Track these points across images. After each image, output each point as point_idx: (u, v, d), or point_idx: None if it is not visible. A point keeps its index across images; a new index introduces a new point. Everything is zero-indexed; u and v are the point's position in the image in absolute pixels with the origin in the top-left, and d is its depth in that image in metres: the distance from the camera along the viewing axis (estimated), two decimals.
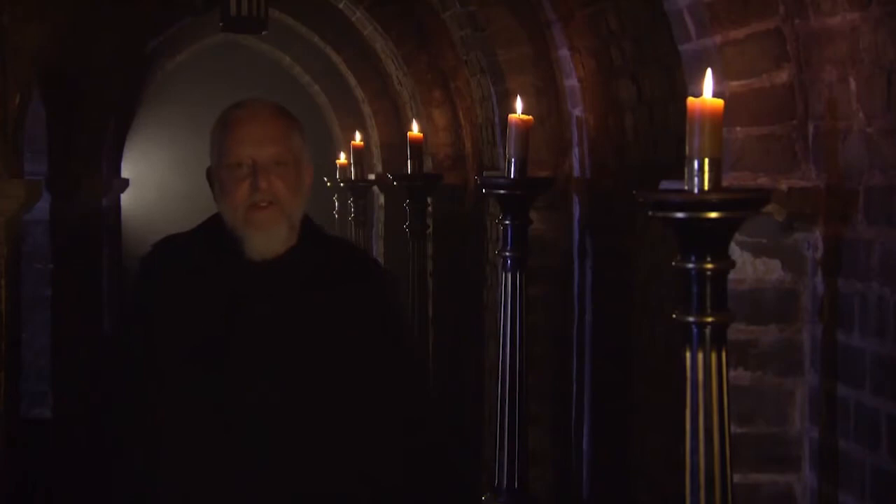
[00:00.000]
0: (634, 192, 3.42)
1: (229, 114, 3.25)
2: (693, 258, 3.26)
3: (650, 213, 3.31)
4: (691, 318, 3.27)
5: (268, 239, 3.19)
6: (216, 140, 3.24)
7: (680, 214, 3.22)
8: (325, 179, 12.52)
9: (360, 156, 10.11)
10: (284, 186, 3.19)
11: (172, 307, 3.17)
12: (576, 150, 6.21)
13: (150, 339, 3.15)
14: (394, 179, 8.29)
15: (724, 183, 3.39)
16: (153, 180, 15.76)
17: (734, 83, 3.78)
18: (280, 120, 3.24)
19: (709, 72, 3.32)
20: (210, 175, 3.27)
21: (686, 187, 3.23)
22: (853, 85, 3.46)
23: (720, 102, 3.23)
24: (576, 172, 6.24)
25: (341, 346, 3.17)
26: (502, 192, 5.66)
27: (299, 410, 3.11)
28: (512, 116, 5.59)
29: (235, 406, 3.09)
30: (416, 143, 7.97)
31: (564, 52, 6.15)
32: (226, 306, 3.15)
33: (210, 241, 3.24)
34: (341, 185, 11.29)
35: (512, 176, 5.57)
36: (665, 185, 3.83)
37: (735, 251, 3.61)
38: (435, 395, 4.18)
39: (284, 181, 3.19)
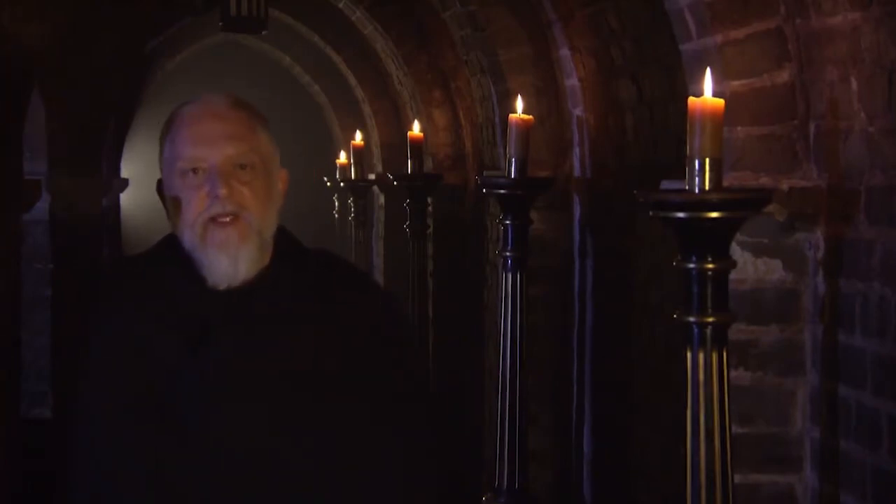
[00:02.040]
0: (635, 192, 3.42)
1: (178, 111, 2.70)
2: (694, 258, 3.26)
3: (650, 213, 3.31)
4: (692, 319, 3.27)
5: (234, 262, 2.60)
6: (164, 143, 2.73)
7: (680, 214, 3.22)
8: (325, 179, 12.53)
9: (360, 156, 10.11)
10: (251, 194, 2.60)
11: (122, 357, 2.64)
12: (576, 150, 6.21)
13: (102, 396, 2.69)
14: (394, 179, 8.29)
15: (725, 183, 3.39)
16: (153, 180, 15.57)
17: (735, 83, 3.78)
18: (240, 113, 2.66)
19: (709, 71, 3.32)
20: (160, 189, 2.79)
21: (686, 187, 3.23)
22: (854, 85, 3.45)
23: (721, 102, 3.23)
24: (576, 172, 6.23)
25: (332, 385, 2.59)
26: (502, 191, 5.65)
27: (287, 462, 2.56)
28: (512, 116, 5.58)
29: (208, 469, 2.55)
30: (416, 143, 7.97)
31: (565, 52, 6.15)
32: (187, 350, 2.58)
33: (166, 269, 2.68)
34: (341, 185, 11.30)
35: (512, 176, 5.57)
36: (665, 185, 3.83)
37: (736, 251, 3.60)
38: (441, 422, 3.74)
39: (250, 188, 2.60)
